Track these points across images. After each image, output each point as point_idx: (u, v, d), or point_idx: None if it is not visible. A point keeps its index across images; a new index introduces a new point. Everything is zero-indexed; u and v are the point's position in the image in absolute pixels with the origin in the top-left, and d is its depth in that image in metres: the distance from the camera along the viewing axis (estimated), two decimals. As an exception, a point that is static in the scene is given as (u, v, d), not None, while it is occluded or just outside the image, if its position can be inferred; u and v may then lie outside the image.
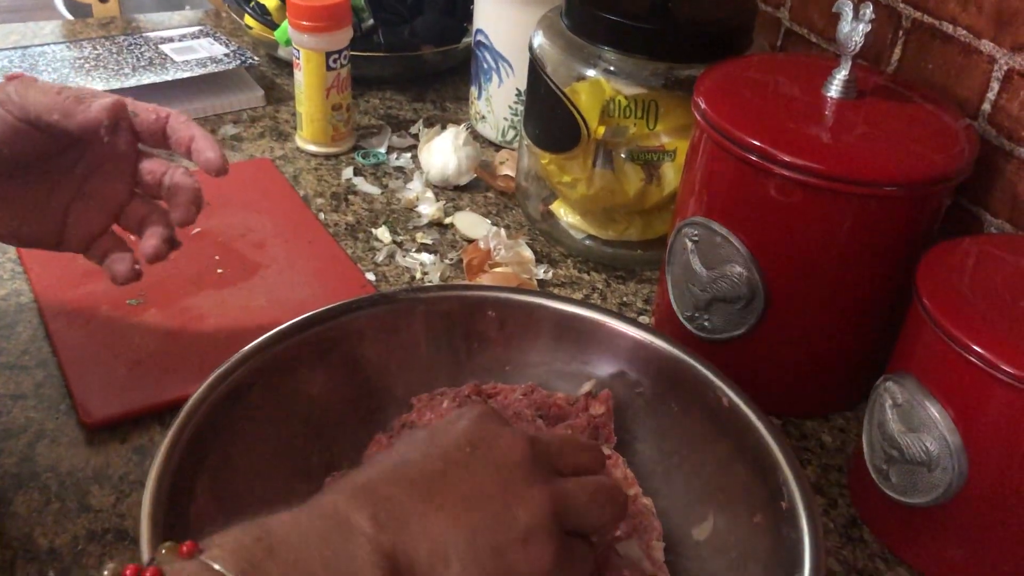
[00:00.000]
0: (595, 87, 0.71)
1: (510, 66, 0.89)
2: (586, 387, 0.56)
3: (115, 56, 0.99)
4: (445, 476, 0.39)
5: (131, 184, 0.56)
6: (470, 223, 0.82)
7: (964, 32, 0.65)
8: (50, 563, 0.51)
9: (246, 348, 0.51)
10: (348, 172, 0.88)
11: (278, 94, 1.02)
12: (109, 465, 0.57)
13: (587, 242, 0.79)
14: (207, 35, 1.06)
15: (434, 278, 0.76)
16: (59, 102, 0.50)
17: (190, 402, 0.47)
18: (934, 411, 0.50)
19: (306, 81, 0.87)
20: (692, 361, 0.53)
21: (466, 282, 0.74)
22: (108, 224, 0.56)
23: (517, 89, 0.90)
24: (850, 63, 0.59)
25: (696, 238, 0.62)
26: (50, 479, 0.56)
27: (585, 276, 0.78)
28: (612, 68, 0.71)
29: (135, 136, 0.55)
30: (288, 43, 0.93)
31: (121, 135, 0.54)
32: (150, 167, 0.55)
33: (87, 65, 0.96)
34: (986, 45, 0.64)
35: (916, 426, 0.52)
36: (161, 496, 0.42)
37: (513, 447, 0.40)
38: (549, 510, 0.39)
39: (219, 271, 0.72)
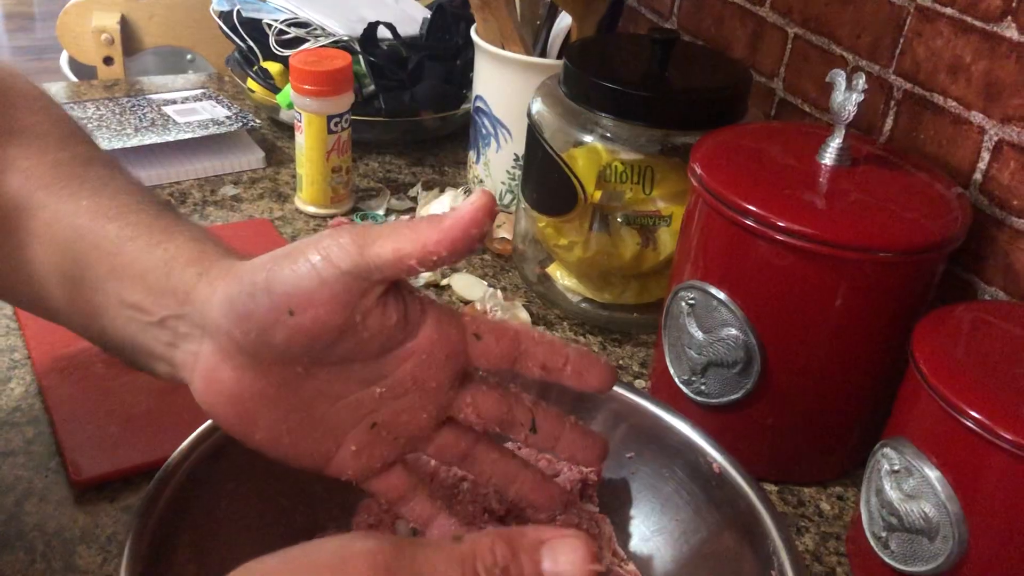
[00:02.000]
0: (592, 152, 0.72)
1: (508, 132, 0.90)
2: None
3: (118, 117, 1.00)
4: None
5: (441, 416, 0.43)
6: (466, 285, 0.83)
7: (954, 103, 0.67)
8: (33, 625, 0.50)
9: None
10: (346, 233, 0.89)
11: (278, 156, 1.03)
12: (97, 525, 0.56)
13: (583, 305, 0.79)
14: (210, 98, 1.07)
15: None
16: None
17: (169, 461, 0.46)
18: (932, 478, 0.50)
19: (307, 143, 0.88)
20: (682, 425, 0.53)
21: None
22: (397, 458, 0.44)
23: (515, 154, 0.91)
24: (843, 131, 0.60)
25: (692, 302, 0.62)
26: (36, 539, 0.55)
27: (581, 339, 0.78)
28: (609, 134, 0.72)
29: (465, 361, 0.42)
30: (290, 106, 0.94)
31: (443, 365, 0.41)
32: (476, 400, 0.43)
33: (90, 125, 0.97)
34: (976, 116, 0.65)
35: (915, 493, 0.51)
36: (139, 556, 0.42)
37: None
38: None
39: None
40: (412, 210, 0.93)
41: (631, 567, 0.51)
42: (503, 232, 0.89)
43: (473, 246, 0.38)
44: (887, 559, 0.54)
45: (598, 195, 0.72)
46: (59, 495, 0.57)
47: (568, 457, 0.45)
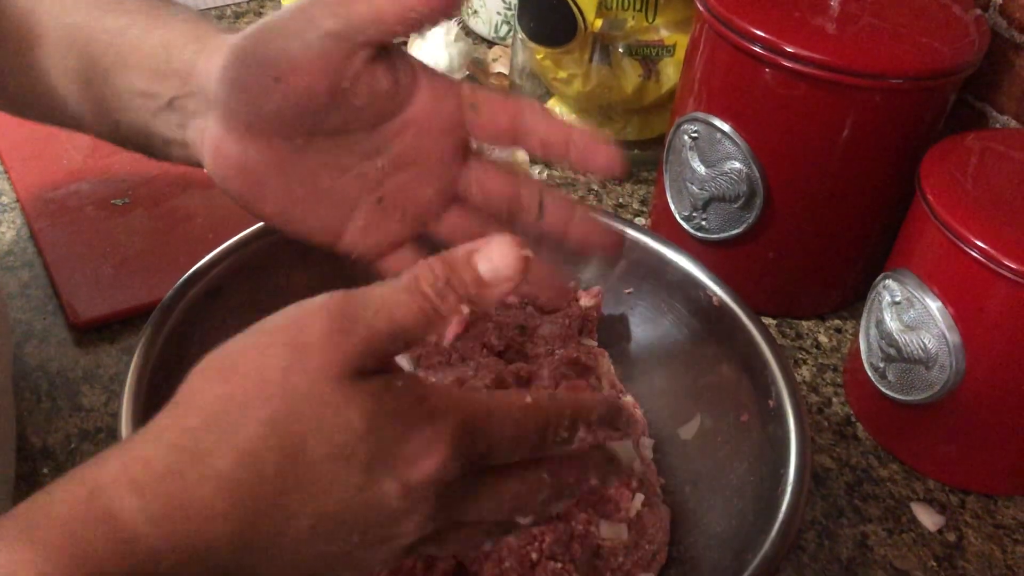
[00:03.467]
0: (592, -23, 0.68)
1: (504, -42, 0.86)
2: (572, 282, 0.55)
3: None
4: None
5: (446, 193, 0.43)
6: (463, 122, 0.80)
7: (978, -83, 0.62)
8: (43, 461, 0.51)
9: (224, 245, 0.49)
10: (337, 70, 0.86)
11: (263, -11, 0.98)
12: (99, 365, 0.56)
13: (583, 141, 0.77)
14: (188, -74, 1.01)
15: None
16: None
17: (166, 299, 0.46)
18: (934, 308, 0.50)
19: (291, -26, 0.84)
20: (682, 260, 0.52)
21: (459, 182, 0.72)
22: (407, 236, 0.43)
23: (511, -18, 0.86)
24: (859, -51, 0.57)
25: (696, 135, 0.60)
26: (40, 379, 0.55)
27: (581, 177, 0.76)
28: (610, -43, 0.68)
29: (465, 133, 0.42)
30: (272, -67, 0.89)
31: (443, 127, 0.41)
32: (481, 178, 0.42)
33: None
34: (1001, -69, 0.61)
35: (915, 324, 0.51)
36: (140, 395, 0.42)
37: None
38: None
39: (205, 170, 0.70)
40: (404, 44, 0.90)
41: (629, 398, 0.52)
42: (499, 66, 0.86)
43: (454, 6, 0.37)
44: (883, 389, 0.54)
45: (599, 24, 0.69)
46: (59, 337, 0.58)
47: (580, 242, 0.43)
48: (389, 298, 0.30)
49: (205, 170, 0.42)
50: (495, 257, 0.31)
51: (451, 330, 0.31)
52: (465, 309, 0.31)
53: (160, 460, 0.28)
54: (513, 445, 0.31)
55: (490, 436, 0.31)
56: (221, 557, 0.27)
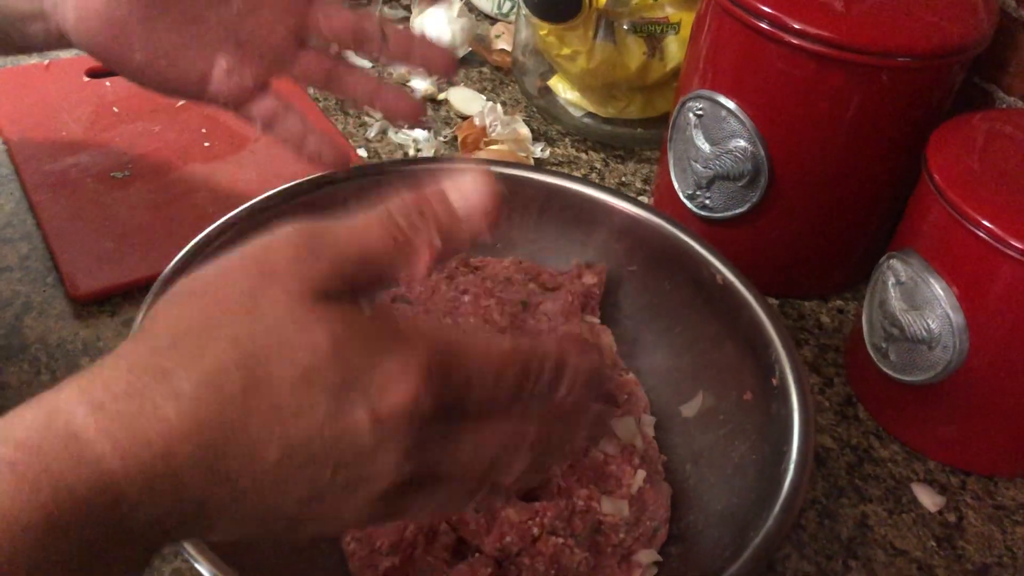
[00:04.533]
0: (598, -47, 0.68)
1: (507, -67, 0.85)
2: (576, 260, 0.55)
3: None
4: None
5: (297, 32, 0.49)
6: (464, 99, 0.80)
7: None
8: (43, 433, 0.50)
9: (227, 216, 0.49)
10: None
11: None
12: (99, 338, 0.56)
13: (586, 119, 0.77)
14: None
15: (428, 155, 0.74)
16: None
17: (166, 272, 0.46)
18: (938, 288, 0.50)
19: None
20: (686, 238, 0.52)
21: (457, 155, 0.72)
22: (266, 78, 0.49)
23: (515, -42, 0.86)
24: (868, -75, 0.56)
25: (701, 112, 0.60)
26: (39, 351, 0.55)
27: (583, 155, 0.76)
28: (616, -68, 0.67)
29: None
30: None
31: None
32: (328, 14, 0.49)
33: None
34: (1011, -91, 0.60)
35: (919, 304, 0.51)
36: None
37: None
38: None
39: (206, 144, 0.70)
40: (407, 19, 0.89)
41: (631, 376, 0.52)
42: (502, 43, 0.85)
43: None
44: (885, 369, 0.54)
45: (604, 0, 0.69)
46: (59, 309, 0.57)
47: (422, 65, 0.50)
48: (359, 225, 0.30)
49: (68, 35, 0.46)
50: (467, 189, 0.31)
51: (422, 263, 0.30)
52: (437, 241, 0.30)
53: (120, 380, 0.26)
54: (491, 384, 0.30)
55: (466, 371, 0.29)
56: (189, 487, 0.26)
